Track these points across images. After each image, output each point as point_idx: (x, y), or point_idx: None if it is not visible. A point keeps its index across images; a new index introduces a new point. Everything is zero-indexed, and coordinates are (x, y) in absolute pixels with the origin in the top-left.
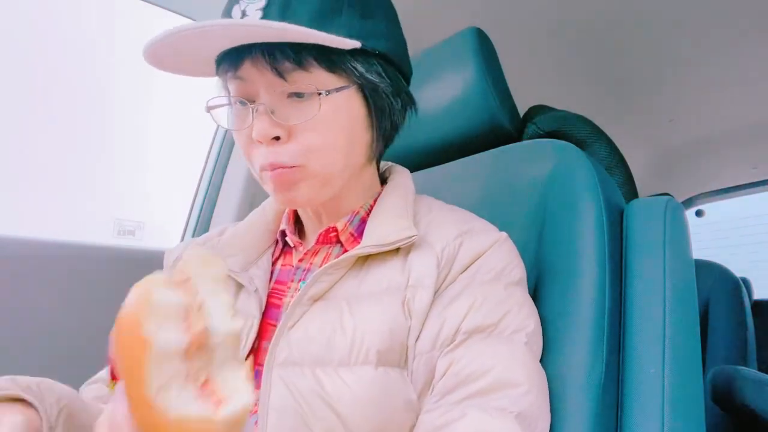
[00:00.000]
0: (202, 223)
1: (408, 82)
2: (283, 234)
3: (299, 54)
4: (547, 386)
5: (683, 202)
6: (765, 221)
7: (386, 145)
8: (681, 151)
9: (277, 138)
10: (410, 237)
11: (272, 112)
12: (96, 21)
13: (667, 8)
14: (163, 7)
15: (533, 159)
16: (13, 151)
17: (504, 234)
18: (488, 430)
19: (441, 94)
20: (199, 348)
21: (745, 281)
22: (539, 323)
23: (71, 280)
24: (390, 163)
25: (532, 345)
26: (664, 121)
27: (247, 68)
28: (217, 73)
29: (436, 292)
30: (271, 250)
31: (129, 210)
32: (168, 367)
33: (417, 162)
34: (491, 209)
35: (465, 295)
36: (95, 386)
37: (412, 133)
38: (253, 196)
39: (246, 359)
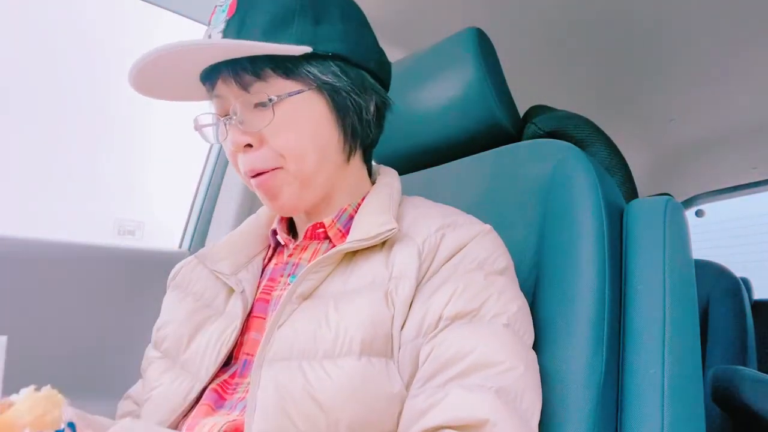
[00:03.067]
0: (202, 224)
1: (380, 80)
2: (275, 233)
3: (256, 66)
4: (536, 365)
5: (683, 202)
6: (765, 221)
7: (365, 143)
8: (681, 151)
9: (250, 146)
10: (390, 230)
11: (241, 123)
12: (99, 21)
13: (668, 9)
14: (163, 7)
15: (533, 159)
16: (17, 152)
17: (488, 226)
18: (467, 404)
19: (441, 94)
20: None
21: (745, 281)
22: (525, 306)
23: (72, 280)
24: (380, 165)
25: (515, 326)
26: (664, 121)
27: (220, 86)
28: (207, 92)
29: (419, 284)
30: (263, 253)
31: (129, 210)
32: None
33: (417, 162)
34: (491, 209)
35: (448, 284)
36: (127, 401)
37: (412, 133)
38: (253, 196)
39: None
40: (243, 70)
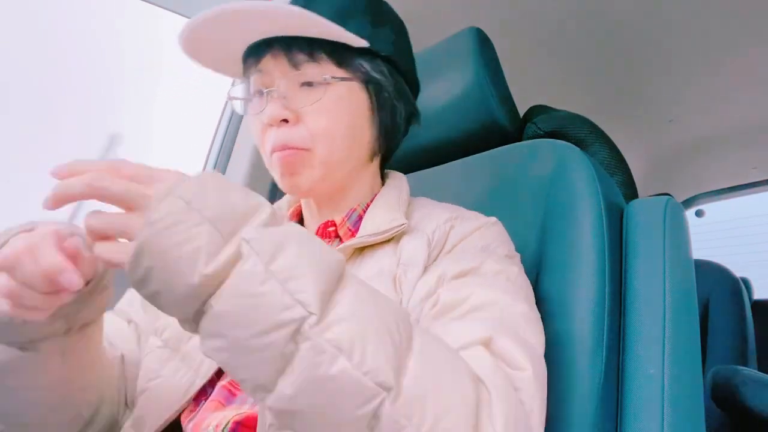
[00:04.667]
0: None
1: (414, 93)
2: None
3: (312, 48)
4: (537, 311)
5: (683, 202)
6: (765, 221)
7: (389, 147)
8: (681, 151)
9: (286, 121)
10: (400, 225)
11: (284, 98)
12: (98, 18)
13: (668, 9)
14: (163, 7)
15: (533, 159)
16: (17, 149)
17: (493, 218)
18: (468, 332)
19: (441, 94)
20: None
21: (745, 281)
22: (523, 273)
23: None
24: (388, 170)
25: (515, 284)
26: (664, 121)
27: (267, 61)
28: (244, 69)
29: (426, 270)
30: None
31: None
32: None
33: (417, 162)
34: (491, 209)
35: (450, 257)
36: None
37: (412, 133)
38: (258, 190)
39: None
40: (298, 49)
